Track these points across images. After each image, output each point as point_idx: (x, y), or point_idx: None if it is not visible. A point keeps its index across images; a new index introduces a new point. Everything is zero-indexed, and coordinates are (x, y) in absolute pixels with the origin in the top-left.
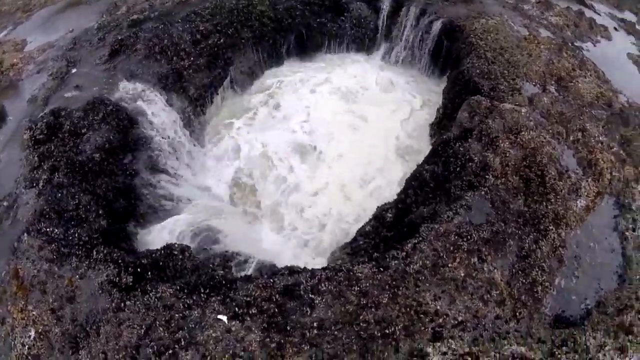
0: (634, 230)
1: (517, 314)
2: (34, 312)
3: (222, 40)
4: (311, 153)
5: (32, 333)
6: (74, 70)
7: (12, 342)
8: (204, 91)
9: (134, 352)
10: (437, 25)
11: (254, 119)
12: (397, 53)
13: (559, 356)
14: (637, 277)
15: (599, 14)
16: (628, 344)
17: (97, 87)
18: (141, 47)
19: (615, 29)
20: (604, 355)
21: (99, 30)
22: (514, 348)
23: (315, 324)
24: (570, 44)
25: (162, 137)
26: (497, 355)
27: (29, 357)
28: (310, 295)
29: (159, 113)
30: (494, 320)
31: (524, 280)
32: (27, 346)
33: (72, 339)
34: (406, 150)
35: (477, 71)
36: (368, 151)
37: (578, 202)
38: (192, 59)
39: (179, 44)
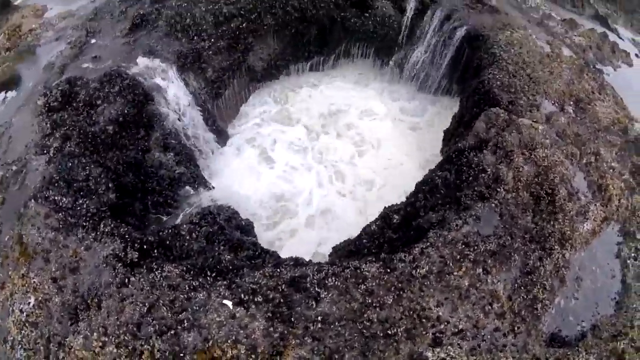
0: (635, 259)
1: (516, 328)
2: (35, 280)
3: (244, 25)
4: None
5: (32, 300)
6: (92, 41)
7: (10, 308)
8: (222, 74)
9: (134, 329)
10: (461, 32)
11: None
12: (416, 60)
13: None
14: (634, 305)
15: (622, 39)
16: None
17: (115, 60)
18: (163, 23)
19: (637, 55)
20: None
21: (121, 2)
22: None
23: (319, 318)
24: (591, 66)
25: (177, 116)
26: None
27: (27, 324)
28: (316, 289)
29: (175, 92)
30: (493, 332)
31: (525, 296)
32: (25, 313)
33: (72, 309)
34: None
35: (498, 83)
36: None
37: (585, 225)
38: (212, 40)
39: (201, 24)
